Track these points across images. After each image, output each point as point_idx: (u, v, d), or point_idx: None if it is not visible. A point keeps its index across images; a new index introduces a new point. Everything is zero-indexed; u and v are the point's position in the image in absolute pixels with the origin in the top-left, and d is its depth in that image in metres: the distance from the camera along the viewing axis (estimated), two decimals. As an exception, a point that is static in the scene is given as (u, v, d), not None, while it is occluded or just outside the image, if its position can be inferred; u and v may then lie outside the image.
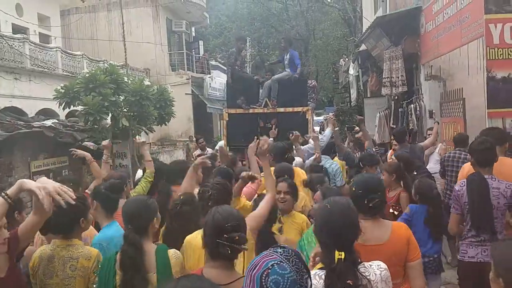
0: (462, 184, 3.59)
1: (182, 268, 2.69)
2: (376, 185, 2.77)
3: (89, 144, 9.54)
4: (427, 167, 6.48)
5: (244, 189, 3.71)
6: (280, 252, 1.91)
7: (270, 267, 1.81)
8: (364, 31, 13.47)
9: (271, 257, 1.87)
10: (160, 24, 21.91)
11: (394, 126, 10.21)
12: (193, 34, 26.66)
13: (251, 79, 9.77)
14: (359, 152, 7.91)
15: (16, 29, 15.40)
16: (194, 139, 16.39)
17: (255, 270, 1.82)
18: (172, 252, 2.70)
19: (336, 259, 1.97)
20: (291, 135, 6.46)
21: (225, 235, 2.09)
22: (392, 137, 9.40)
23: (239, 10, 37.64)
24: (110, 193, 3.45)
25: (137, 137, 5.92)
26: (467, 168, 4.10)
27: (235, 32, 36.67)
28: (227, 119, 9.21)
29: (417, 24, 8.81)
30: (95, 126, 9.54)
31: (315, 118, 15.55)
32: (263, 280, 1.80)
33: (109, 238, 3.13)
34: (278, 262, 1.84)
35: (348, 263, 1.98)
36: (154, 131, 12.25)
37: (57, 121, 9.86)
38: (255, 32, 36.23)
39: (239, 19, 36.80)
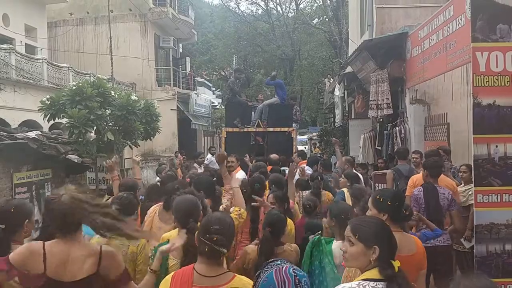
0: (420, 190, 4.89)
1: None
2: (403, 196, 3.25)
3: (73, 157, 9.49)
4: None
5: None
6: (279, 261, 2.22)
7: (294, 272, 2.12)
8: (350, 53, 13.70)
9: (282, 266, 2.14)
10: (148, 39, 21.93)
11: (379, 148, 10.34)
12: (180, 50, 26.76)
13: (246, 103, 11.56)
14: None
15: (2, 39, 15.24)
16: (179, 154, 16.31)
17: (287, 285, 2.09)
18: None
19: (396, 268, 2.05)
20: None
21: (207, 235, 2.35)
22: (379, 157, 9.94)
23: (226, 29, 37.95)
24: None
25: (134, 156, 6.11)
26: (415, 178, 5.64)
27: (222, 50, 36.98)
28: (225, 136, 10.90)
29: (403, 49, 9.00)
30: (80, 139, 9.45)
31: (298, 137, 17.56)
32: (298, 286, 2.08)
33: None
34: (292, 266, 2.18)
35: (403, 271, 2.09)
36: (139, 145, 12.19)
37: (40, 133, 9.72)
38: (241, 51, 36.51)
39: (226, 37, 37.08)
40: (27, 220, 2.81)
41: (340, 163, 7.93)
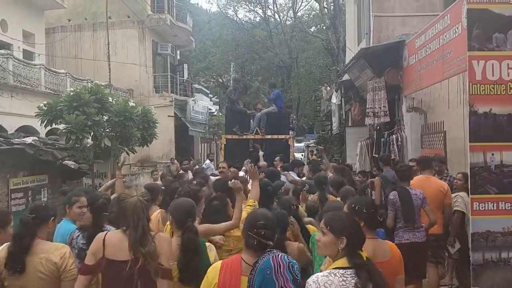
0: (395, 194, 5.16)
1: (216, 259, 3.25)
2: (374, 202, 3.41)
3: (70, 163, 9.47)
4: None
5: None
6: (275, 251, 2.55)
7: (287, 259, 2.45)
8: (347, 61, 13.75)
9: (278, 254, 2.48)
10: (146, 46, 21.98)
11: (376, 156, 10.36)
12: (178, 57, 26.80)
13: (245, 112, 11.94)
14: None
15: (0, 44, 15.25)
16: (175, 161, 16.35)
17: (281, 268, 2.40)
18: (207, 244, 3.39)
19: (364, 257, 2.31)
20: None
21: (254, 229, 2.58)
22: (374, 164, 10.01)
23: (224, 36, 38.02)
24: None
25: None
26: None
27: (219, 57, 37.07)
28: (224, 143, 11.17)
29: (400, 57, 9.03)
30: (77, 145, 9.43)
31: (295, 144, 17.60)
32: (292, 271, 2.40)
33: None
34: (286, 255, 2.49)
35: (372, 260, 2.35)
36: (136, 152, 12.18)
37: (37, 139, 9.71)
38: (238, 58, 36.60)
39: (224, 44, 37.16)
40: (52, 218, 3.16)
41: (326, 169, 8.18)
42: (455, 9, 6.23)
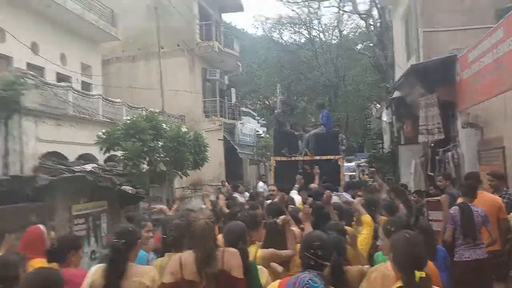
0: (456, 209, 5.26)
1: (268, 281, 3.36)
2: (408, 223, 3.64)
3: (128, 188, 9.82)
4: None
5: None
6: (309, 271, 2.63)
7: (307, 282, 2.51)
8: (396, 78, 13.58)
9: (303, 275, 2.58)
10: (196, 73, 22.60)
11: (432, 174, 10.09)
12: (226, 82, 27.34)
13: (292, 133, 12.02)
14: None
15: (61, 77, 16.11)
16: (226, 183, 16.52)
17: (295, 287, 2.50)
18: (259, 267, 3.51)
19: (418, 278, 2.38)
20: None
21: (311, 250, 2.71)
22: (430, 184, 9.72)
23: (269, 58, 38.39)
24: None
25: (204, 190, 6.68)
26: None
27: (265, 79, 37.45)
28: (274, 165, 11.30)
29: (453, 72, 8.84)
30: (134, 170, 9.79)
31: (346, 164, 17.05)
32: None
33: None
34: (311, 278, 2.54)
35: (428, 280, 2.43)
36: (189, 175, 12.46)
37: (96, 166, 10.15)
38: (284, 79, 36.80)
39: (269, 66, 37.52)
40: (139, 240, 3.39)
41: (379, 190, 8.07)
42: (508, 21, 6.08)
